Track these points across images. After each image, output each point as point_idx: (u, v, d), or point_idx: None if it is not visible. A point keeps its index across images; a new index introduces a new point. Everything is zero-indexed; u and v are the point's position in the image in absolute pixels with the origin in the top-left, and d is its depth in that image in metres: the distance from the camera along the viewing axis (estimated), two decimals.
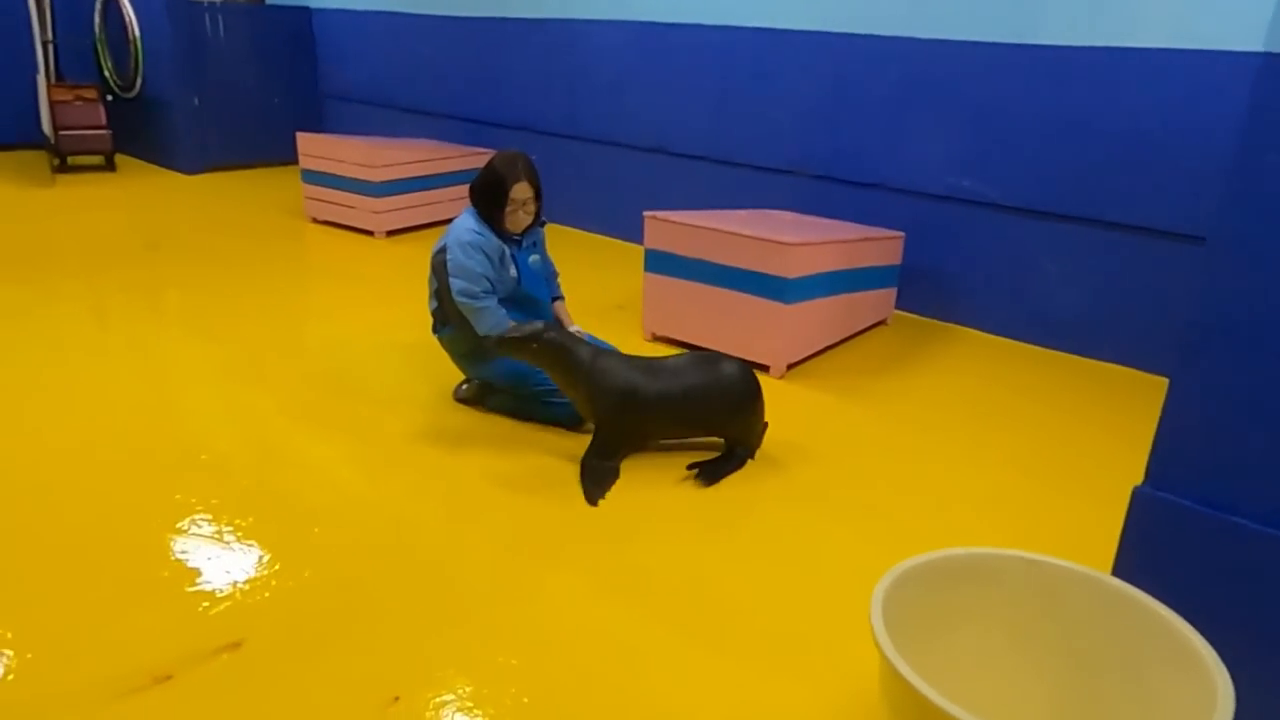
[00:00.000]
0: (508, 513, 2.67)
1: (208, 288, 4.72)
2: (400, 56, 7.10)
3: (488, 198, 3.13)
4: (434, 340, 3.36)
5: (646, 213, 3.92)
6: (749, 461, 2.99)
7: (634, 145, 5.74)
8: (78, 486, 2.69)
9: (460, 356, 3.28)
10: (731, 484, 2.88)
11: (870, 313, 4.33)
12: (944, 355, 4.15)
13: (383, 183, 5.63)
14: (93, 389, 3.40)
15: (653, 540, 2.54)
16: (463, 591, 2.28)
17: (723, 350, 3.82)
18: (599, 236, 6.03)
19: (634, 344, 3.92)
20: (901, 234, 4.40)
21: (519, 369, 3.14)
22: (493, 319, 3.09)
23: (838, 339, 4.13)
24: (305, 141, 5.90)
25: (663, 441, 3.09)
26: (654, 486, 2.83)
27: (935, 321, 4.60)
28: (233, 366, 3.69)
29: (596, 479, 2.82)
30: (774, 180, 5.07)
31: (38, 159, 6.98)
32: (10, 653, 1.97)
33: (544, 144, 6.15)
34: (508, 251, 3.19)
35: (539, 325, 2.89)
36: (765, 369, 3.74)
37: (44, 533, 2.44)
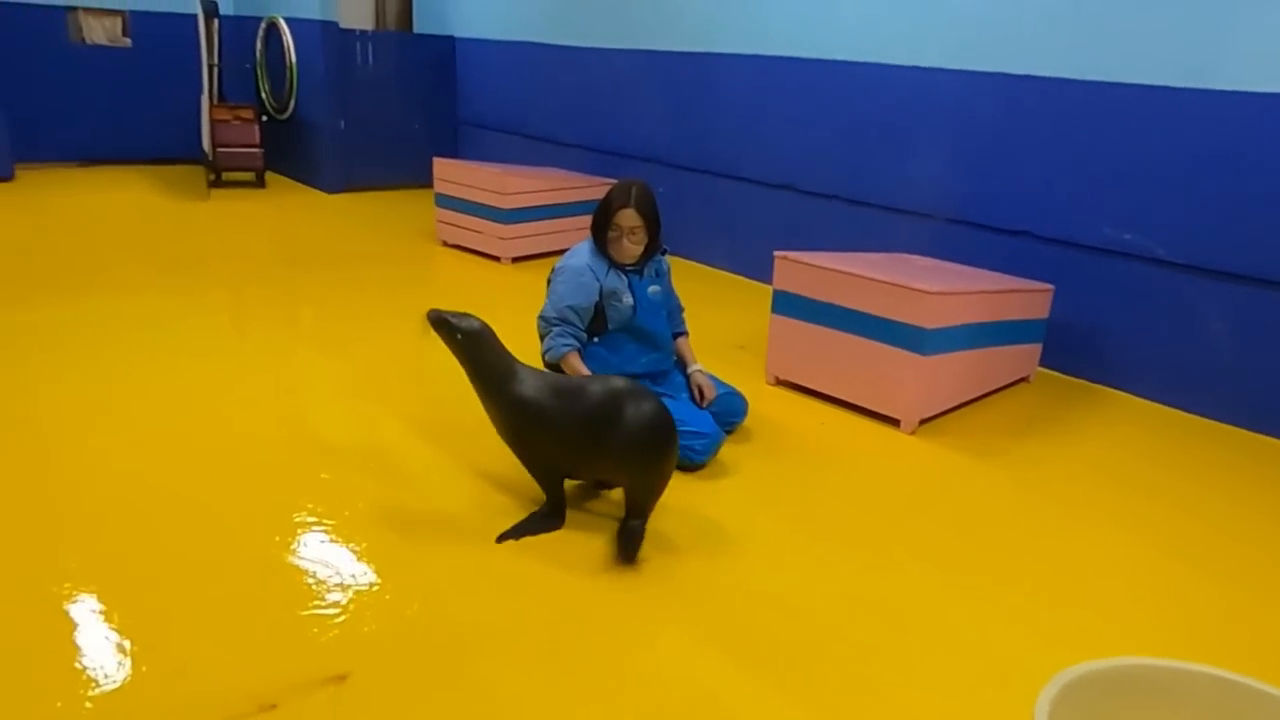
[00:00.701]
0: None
1: (340, 305, 4.86)
2: (536, 86, 7.23)
3: (596, 223, 3.11)
4: None
5: (777, 253, 3.79)
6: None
7: (764, 181, 5.63)
8: (201, 494, 2.75)
9: None
10: (853, 539, 2.70)
11: (1012, 369, 4.06)
12: (1093, 420, 3.83)
13: (511, 210, 5.70)
14: (225, 400, 3.50)
15: (765, 601, 2.38)
16: (571, 637, 2.19)
17: (850, 401, 3.67)
18: (724, 273, 5.93)
19: (755, 387, 3.78)
20: (1050, 286, 4.11)
21: None
22: (554, 344, 3.05)
23: (975, 395, 3.87)
24: (441, 166, 6.05)
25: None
26: (758, 540, 2.68)
27: (1083, 382, 4.27)
28: (359, 385, 3.74)
29: (529, 523, 2.62)
30: (909, 223, 4.86)
31: (196, 174, 7.44)
32: (127, 662, 1.98)
33: (673, 177, 6.11)
34: (625, 280, 3.14)
35: (475, 321, 2.64)
36: (895, 423, 3.54)
37: (166, 540, 2.49)
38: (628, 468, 2.52)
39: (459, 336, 2.64)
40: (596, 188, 6.16)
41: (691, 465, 3.04)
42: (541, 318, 3.12)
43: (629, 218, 3.04)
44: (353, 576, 2.37)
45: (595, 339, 3.18)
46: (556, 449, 2.59)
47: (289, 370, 3.94)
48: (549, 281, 3.19)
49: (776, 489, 3.06)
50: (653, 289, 3.24)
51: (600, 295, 3.10)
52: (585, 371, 3.04)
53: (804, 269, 3.70)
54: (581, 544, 2.61)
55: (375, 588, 2.33)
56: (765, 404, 3.66)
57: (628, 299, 3.14)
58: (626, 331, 3.18)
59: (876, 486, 3.14)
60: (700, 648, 2.18)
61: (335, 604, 2.24)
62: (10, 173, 7.05)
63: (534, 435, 2.60)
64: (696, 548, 2.62)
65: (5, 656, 2.00)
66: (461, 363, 2.69)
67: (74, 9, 7.86)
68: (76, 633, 2.08)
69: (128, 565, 2.36)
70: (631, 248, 3.10)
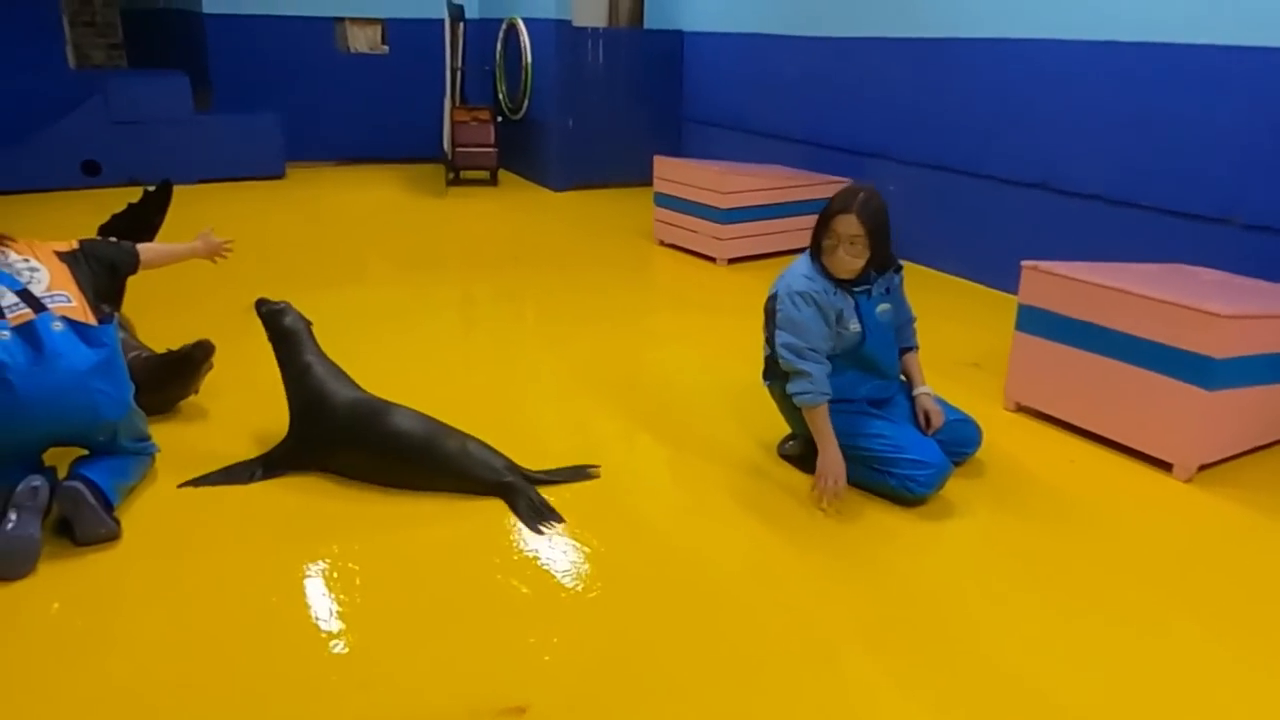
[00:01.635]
0: (818, 585, 2.30)
1: (558, 302, 4.90)
2: (762, 79, 6.97)
3: (815, 229, 2.77)
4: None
5: (1025, 263, 3.32)
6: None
7: (1012, 180, 5.05)
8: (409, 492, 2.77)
9: (787, 410, 2.95)
10: (1115, 608, 2.25)
11: None
12: None
13: (729, 209, 5.50)
14: (448, 392, 3.57)
15: (1005, 681, 2.02)
16: (767, 675, 1.95)
17: (1108, 437, 3.14)
18: (961, 281, 5.40)
19: (990, 412, 3.34)
20: None
21: (849, 429, 2.75)
22: (810, 386, 2.66)
23: (1273, 440, 3.21)
24: (661, 165, 5.96)
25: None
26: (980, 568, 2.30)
27: None
28: (570, 386, 3.73)
29: (224, 474, 2.76)
30: (1191, 229, 4.15)
31: (437, 172, 7.85)
32: (313, 666, 1.98)
33: (905, 174, 5.66)
34: (851, 302, 2.78)
35: (284, 305, 2.90)
36: (1166, 467, 2.98)
37: (380, 532, 2.52)
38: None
39: (269, 319, 2.89)
40: (822, 186, 5.82)
41: (911, 499, 2.71)
42: (788, 350, 2.68)
43: (849, 225, 2.68)
44: (538, 598, 2.27)
45: None
46: (352, 453, 2.79)
47: (507, 367, 3.98)
48: (769, 308, 2.81)
49: (1013, 538, 2.65)
50: (882, 309, 2.85)
51: (834, 319, 2.74)
52: (830, 431, 2.67)
53: (1058, 281, 3.21)
54: (777, 577, 2.36)
55: (562, 611, 2.22)
56: (1002, 433, 3.22)
57: (854, 325, 2.77)
58: (848, 357, 2.81)
59: (1142, 543, 2.64)
60: (915, 687, 1.87)
61: (517, 629, 2.15)
62: (282, 171, 7.78)
63: (320, 429, 2.79)
64: (916, 604, 2.30)
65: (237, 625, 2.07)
66: (273, 346, 2.89)
67: (342, 19, 8.55)
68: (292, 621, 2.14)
69: (341, 551, 2.41)
70: (848, 260, 2.71)
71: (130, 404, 2.57)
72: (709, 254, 5.65)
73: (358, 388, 2.87)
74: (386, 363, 3.83)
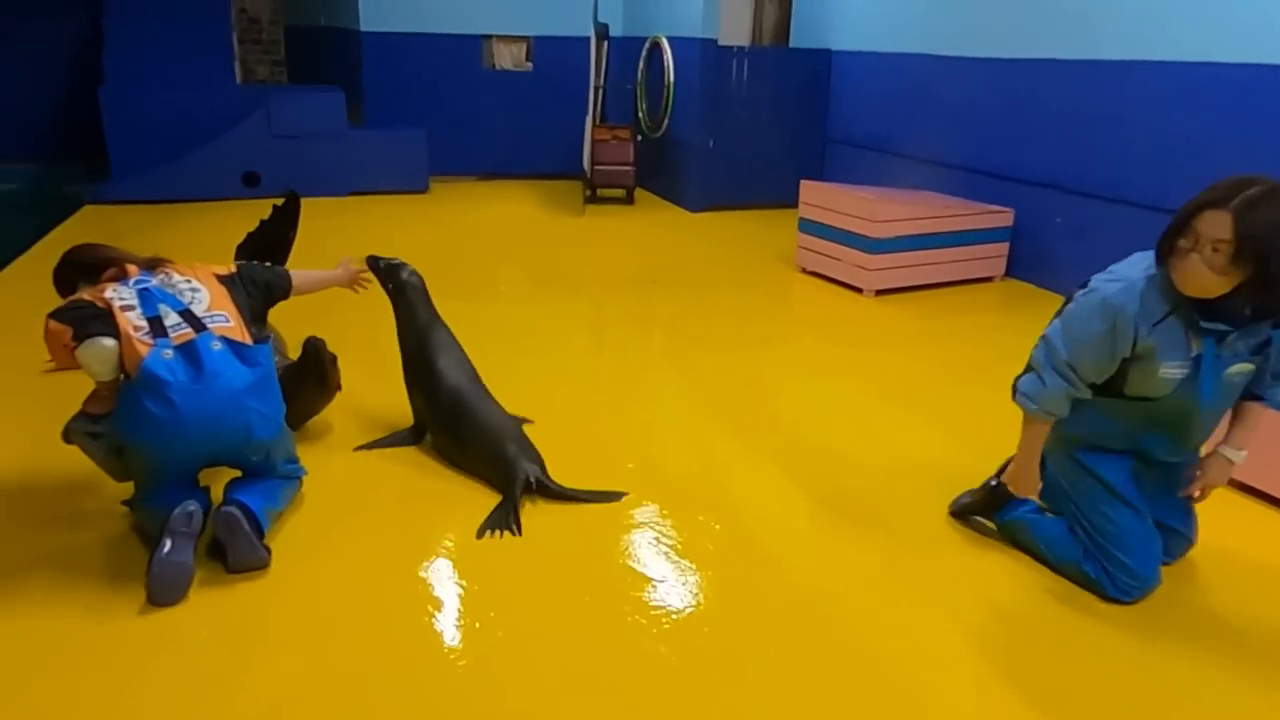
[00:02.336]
0: (978, 657, 2.05)
1: (692, 327, 4.77)
2: (915, 100, 6.65)
3: (1171, 224, 2.08)
4: (920, 423, 2.83)
5: None
6: None
7: None
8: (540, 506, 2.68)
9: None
10: None
11: None
12: None
13: (880, 239, 5.22)
14: (573, 412, 3.52)
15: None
16: None
17: None
18: None
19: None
20: None
21: (1080, 485, 2.39)
22: (1039, 395, 2.24)
23: None
24: (807, 190, 5.73)
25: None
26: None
27: None
28: (698, 413, 3.61)
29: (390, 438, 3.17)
30: None
31: (574, 189, 7.85)
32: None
33: (1076, 206, 5.25)
34: (1189, 343, 2.10)
35: (399, 261, 3.28)
36: None
37: (513, 551, 2.42)
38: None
39: (391, 285, 3.19)
40: (982, 216, 5.48)
41: (1097, 593, 2.40)
42: (1043, 356, 2.27)
43: (1217, 225, 1.95)
44: (673, 605, 2.11)
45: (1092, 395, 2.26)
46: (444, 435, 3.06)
47: (636, 389, 3.89)
48: (1071, 295, 2.30)
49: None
50: (1237, 370, 2.15)
51: (1129, 351, 2.13)
52: (1036, 450, 2.35)
53: None
54: (937, 644, 2.12)
55: (689, 652, 2.05)
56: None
57: (1176, 371, 2.12)
58: (1149, 409, 2.22)
59: None
60: None
61: (637, 672, 1.99)
62: (426, 185, 7.95)
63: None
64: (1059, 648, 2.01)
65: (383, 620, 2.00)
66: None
67: (489, 37, 8.70)
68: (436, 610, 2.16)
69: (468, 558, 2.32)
70: (1202, 274, 1.99)
71: (282, 423, 2.57)
72: (855, 284, 5.38)
73: (464, 363, 3.11)
74: (515, 380, 3.77)
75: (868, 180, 6.68)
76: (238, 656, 2.10)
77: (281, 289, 2.89)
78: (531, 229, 6.99)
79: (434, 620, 2.26)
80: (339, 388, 3.20)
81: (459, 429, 2.95)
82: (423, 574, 2.45)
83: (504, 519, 2.66)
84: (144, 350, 2.30)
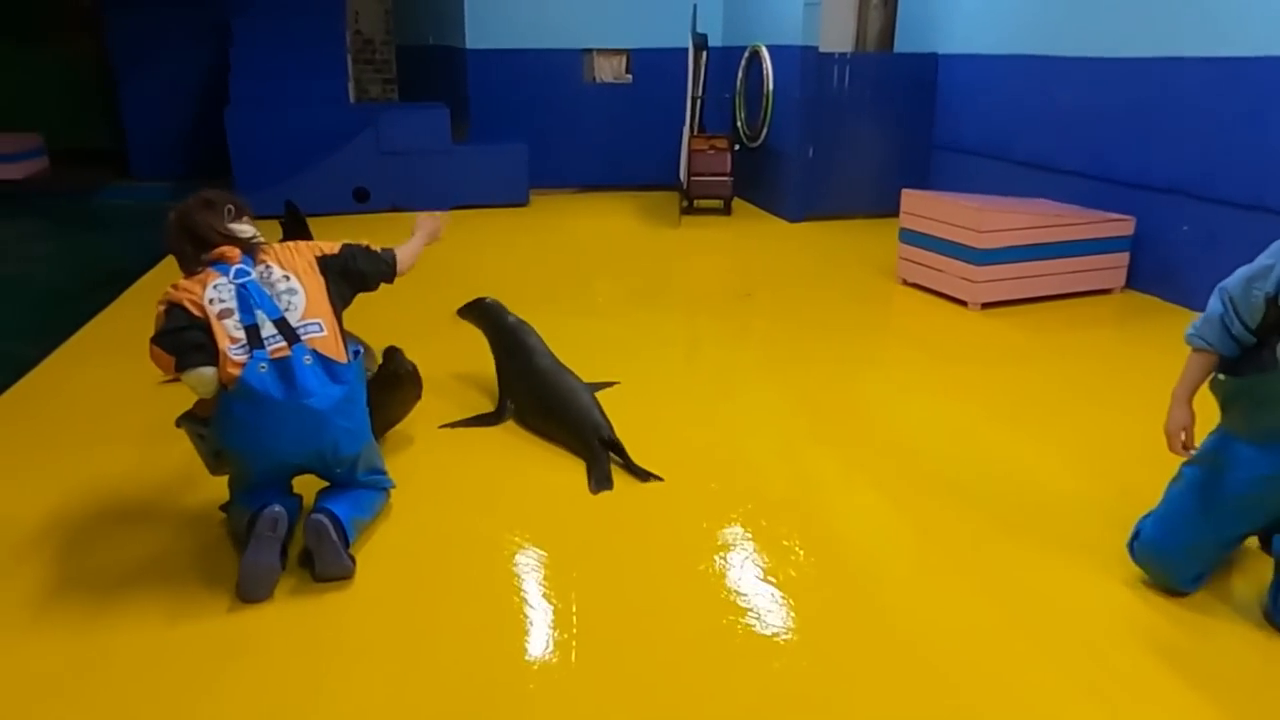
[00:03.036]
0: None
1: (788, 341, 4.67)
2: (1028, 104, 6.34)
3: None
4: (1032, 446, 2.66)
5: None
6: None
7: None
8: (626, 518, 2.64)
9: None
10: None
11: None
12: None
13: (987, 249, 4.98)
14: (665, 426, 3.48)
15: None
16: None
17: None
18: None
19: None
20: None
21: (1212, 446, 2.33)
22: (1202, 327, 2.27)
23: None
24: (909, 199, 5.54)
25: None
26: None
27: None
28: (794, 431, 3.52)
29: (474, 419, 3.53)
30: None
31: (671, 200, 7.82)
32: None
33: (1206, 214, 4.90)
34: None
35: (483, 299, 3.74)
36: None
37: (607, 578, 2.40)
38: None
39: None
40: (1096, 225, 5.18)
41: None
42: (1225, 284, 2.28)
43: None
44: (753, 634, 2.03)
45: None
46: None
47: (730, 405, 3.82)
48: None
49: None
50: None
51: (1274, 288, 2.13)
52: (1189, 387, 2.33)
53: None
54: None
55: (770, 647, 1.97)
56: None
57: None
58: None
59: None
60: None
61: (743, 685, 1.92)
62: (526, 198, 8.08)
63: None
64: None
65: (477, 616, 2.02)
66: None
67: (589, 51, 8.80)
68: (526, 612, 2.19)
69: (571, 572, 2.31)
70: None
71: (368, 437, 2.62)
72: (959, 297, 5.16)
73: (545, 347, 3.61)
74: (607, 394, 3.78)
75: (977, 188, 6.41)
76: (319, 665, 2.14)
77: (384, 276, 2.89)
78: (627, 241, 7.00)
79: (516, 636, 2.26)
80: (419, 397, 3.25)
81: (546, 397, 3.40)
82: (507, 587, 2.46)
83: (603, 474, 3.03)
84: (239, 370, 2.38)
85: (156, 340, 2.46)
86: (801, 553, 2.64)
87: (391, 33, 10.80)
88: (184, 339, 2.44)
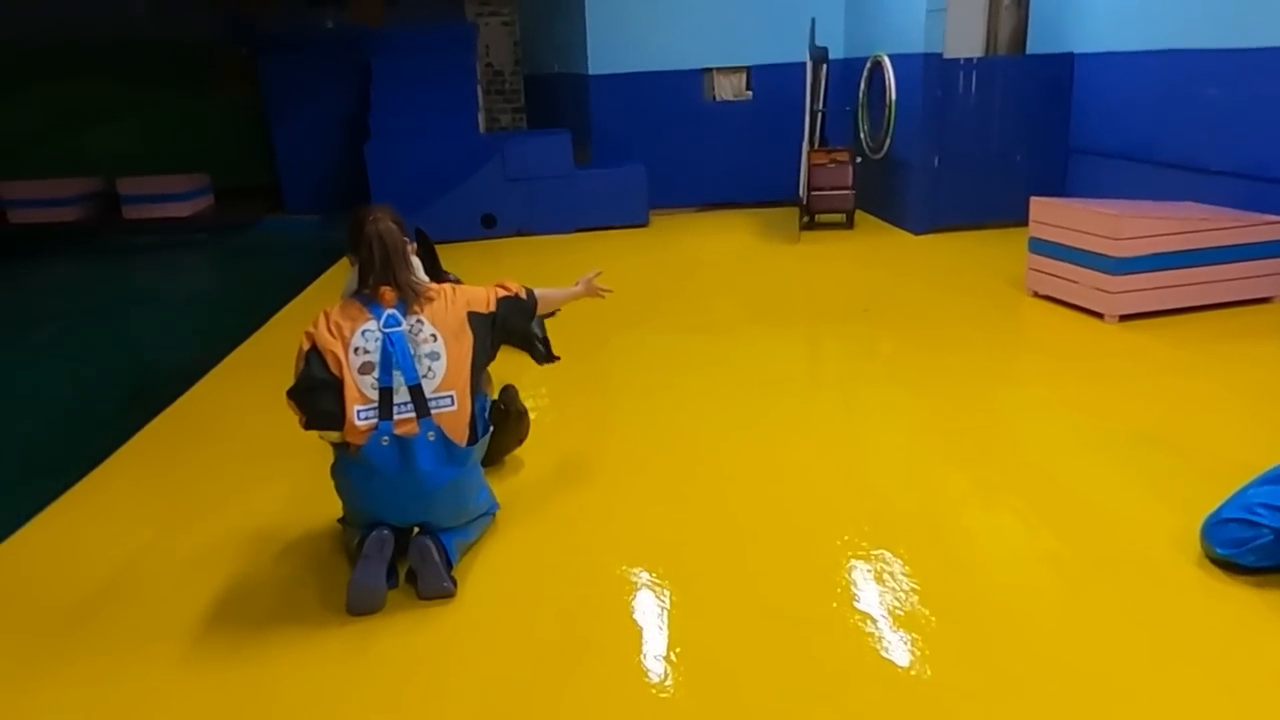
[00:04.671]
0: None
1: (912, 358, 4.56)
2: (1173, 102, 5.92)
3: None
4: (1182, 472, 2.54)
5: None
6: None
7: None
8: (739, 549, 2.64)
9: None
10: None
11: None
12: None
13: (1125, 258, 4.68)
14: (787, 447, 3.46)
15: None
16: None
17: None
18: None
19: None
20: None
21: None
22: None
23: None
24: (1039, 207, 5.27)
25: None
26: None
27: None
28: (921, 451, 3.44)
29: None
30: None
31: (790, 216, 7.73)
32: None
33: None
34: None
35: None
36: None
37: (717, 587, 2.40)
38: None
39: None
40: (1252, 228, 4.78)
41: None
42: None
43: None
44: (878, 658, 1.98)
45: None
46: None
47: (854, 424, 3.77)
48: None
49: None
50: None
51: None
52: None
53: None
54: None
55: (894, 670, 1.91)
56: None
57: None
58: None
59: None
60: None
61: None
62: (646, 219, 8.19)
63: None
64: None
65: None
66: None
67: (709, 70, 8.85)
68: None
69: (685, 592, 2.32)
70: None
71: (469, 509, 2.68)
72: (1094, 309, 4.86)
73: None
74: (725, 414, 3.84)
75: (1118, 192, 6.03)
76: (415, 682, 2.24)
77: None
78: (747, 258, 6.97)
79: (622, 659, 2.27)
80: (525, 436, 3.36)
81: None
82: (613, 609, 2.49)
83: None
84: (362, 440, 2.47)
85: (292, 395, 2.55)
86: (931, 578, 2.55)
87: (520, 63, 11.21)
88: (316, 403, 2.50)
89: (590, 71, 8.59)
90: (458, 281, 3.13)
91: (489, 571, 2.68)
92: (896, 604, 2.43)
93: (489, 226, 7.94)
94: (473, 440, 2.62)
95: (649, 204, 8.22)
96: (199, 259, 8.17)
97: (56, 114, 10.22)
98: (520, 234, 7.91)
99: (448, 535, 2.57)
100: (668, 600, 2.51)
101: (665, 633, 2.36)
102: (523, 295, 2.89)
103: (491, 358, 2.84)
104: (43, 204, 9.33)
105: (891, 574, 2.58)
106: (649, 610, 2.47)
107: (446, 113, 8.32)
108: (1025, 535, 2.78)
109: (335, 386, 2.50)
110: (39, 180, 9.42)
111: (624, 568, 2.67)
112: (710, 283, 6.36)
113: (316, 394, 2.50)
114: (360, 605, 2.44)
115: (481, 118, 9.03)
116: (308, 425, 2.55)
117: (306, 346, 2.56)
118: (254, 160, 10.00)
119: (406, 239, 2.72)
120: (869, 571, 2.60)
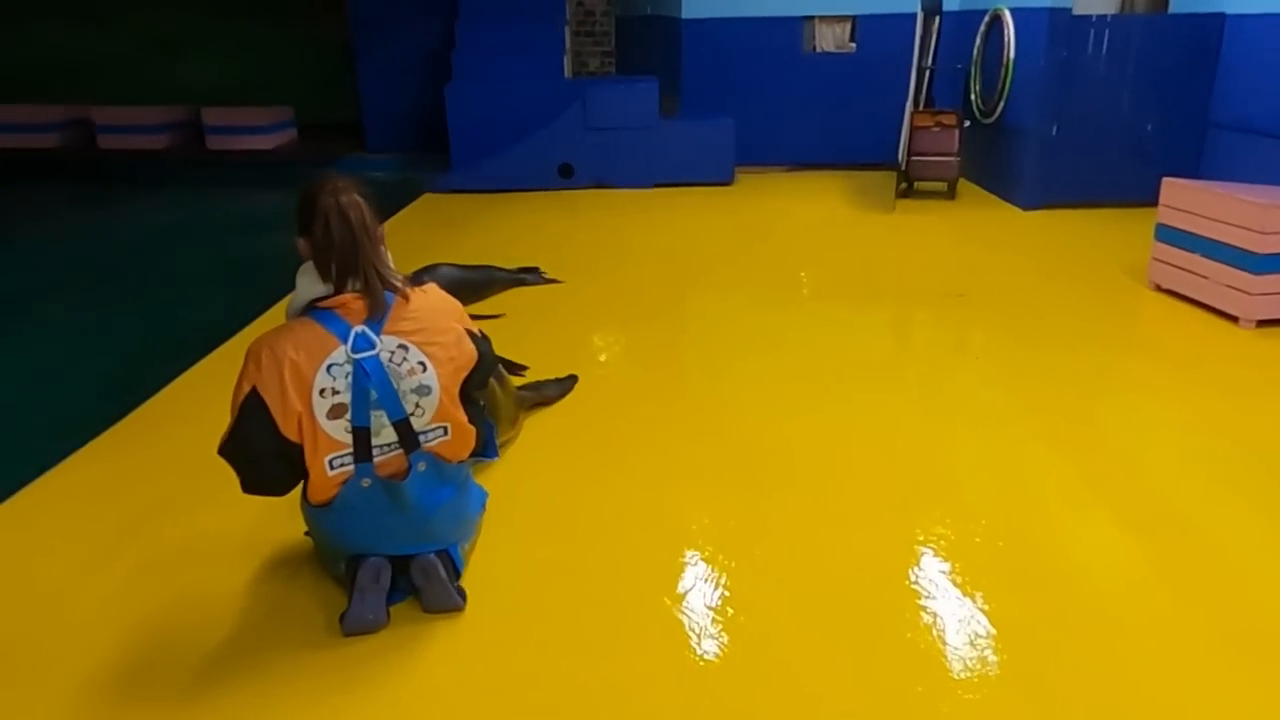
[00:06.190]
0: None
1: (1010, 354, 4.08)
2: None
3: None
4: None
5: None
6: None
7: None
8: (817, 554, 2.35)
9: None
10: None
11: None
12: None
13: (1269, 255, 4.09)
14: (861, 444, 3.16)
15: None
16: None
17: None
18: None
19: None
20: None
21: None
22: None
23: None
24: (1171, 189, 4.67)
25: None
26: None
27: None
28: (1024, 466, 3.03)
29: None
30: None
31: (887, 181, 7.18)
32: None
33: None
34: None
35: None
36: None
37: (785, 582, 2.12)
38: None
39: None
40: None
41: None
42: None
43: None
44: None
45: None
46: None
47: (937, 420, 3.39)
48: None
49: None
50: None
51: None
52: None
53: None
54: None
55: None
56: None
57: None
58: None
59: None
60: None
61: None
62: (731, 177, 7.74)
63: None
64: None
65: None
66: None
67: (811, 18, 8.26)
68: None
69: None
70: None
71: (470, 517, 2.39)
72: (1228, 311, 4.29)
73: None
74: (791, 396, 3.56)
75: (1264, 177, 5.33)
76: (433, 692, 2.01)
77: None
78: (836, 225, 6.49)
79: (679, 645, 2.11)
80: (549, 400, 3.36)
81: None
82: (659, 607, 2.28)
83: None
84: (336, 490, 2.09)
85: (225, 453, 2.06)
86: (1024, 593, 2.31)
87: (612, 3, 10.73)
88: (260, 472, 2.08)
89: (684, 15, 8.12)
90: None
91: (538, 561, 2.44)
92: (981, 613, 2.10)
93: (566, 176, 7.62)
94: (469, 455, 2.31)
95: (735, 161, 7.76)
96: (278, 196, 8.12)
97: (152, 39, 10.26)
98: (597, 185, 7.57)
99: (452, 544, 2.29)
100: (722, 589, 2.34)
101: (718, 622, 2.22)
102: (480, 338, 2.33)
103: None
104: (132, 130, 9.39)
105: (980, 582, 2.29)
106: (700, 597, 2.31)
107: (531, 54, 7.98)
108: (1131, 579, 2.40)
109: (292, 455, 2.04)
110: (129, 106, 9.47)
111: (674, 551, 2.51)
112: (792, 250, 5.92)
113: (261, 463, 2.06)
114: (358, 633, 2.15)
115: (567, 61, 8.65)
116: (247, 491, 2.13)
117: (246, 390, 2.01)
118: (338, 96, 9.86)
119: (376, 220, 2.13)
120: (955, 580, 2.33)
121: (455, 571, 2.26)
